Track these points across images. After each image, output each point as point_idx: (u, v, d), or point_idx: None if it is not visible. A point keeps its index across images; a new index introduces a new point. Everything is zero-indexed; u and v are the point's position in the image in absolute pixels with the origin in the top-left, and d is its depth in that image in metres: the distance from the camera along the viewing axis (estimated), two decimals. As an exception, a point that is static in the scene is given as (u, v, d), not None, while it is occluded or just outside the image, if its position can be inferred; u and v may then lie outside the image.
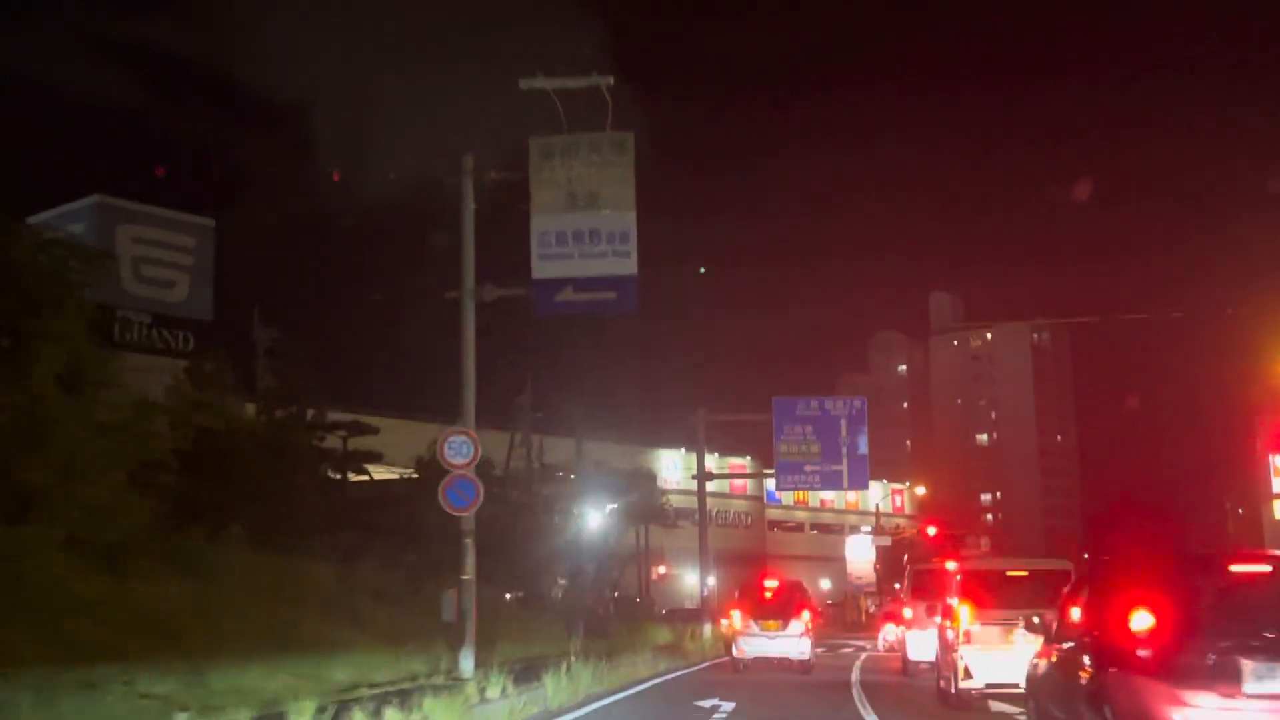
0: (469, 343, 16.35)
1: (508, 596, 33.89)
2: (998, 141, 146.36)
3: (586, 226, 15.94)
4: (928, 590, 19.46)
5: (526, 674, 14.75)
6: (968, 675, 13.01)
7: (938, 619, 15.73)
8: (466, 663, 15.62)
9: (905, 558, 24.35)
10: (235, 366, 26.10)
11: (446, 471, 15.44)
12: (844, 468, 38.33)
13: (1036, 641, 9.35)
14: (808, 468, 38.14)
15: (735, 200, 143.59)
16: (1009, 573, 13.46)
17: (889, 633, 32.02)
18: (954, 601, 13.79)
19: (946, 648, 14.02)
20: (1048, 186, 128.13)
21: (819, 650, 22.63)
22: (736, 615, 22.00)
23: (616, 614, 33.04)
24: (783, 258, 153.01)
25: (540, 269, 16.09)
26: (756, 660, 22.01)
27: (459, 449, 15.71)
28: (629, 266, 15.91)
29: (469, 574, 15.95)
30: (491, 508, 35.98)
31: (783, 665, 21.98)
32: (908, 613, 19.42)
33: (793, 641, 21.34)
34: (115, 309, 30.49)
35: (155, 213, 36.07)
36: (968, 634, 13.06)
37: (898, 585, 68.80)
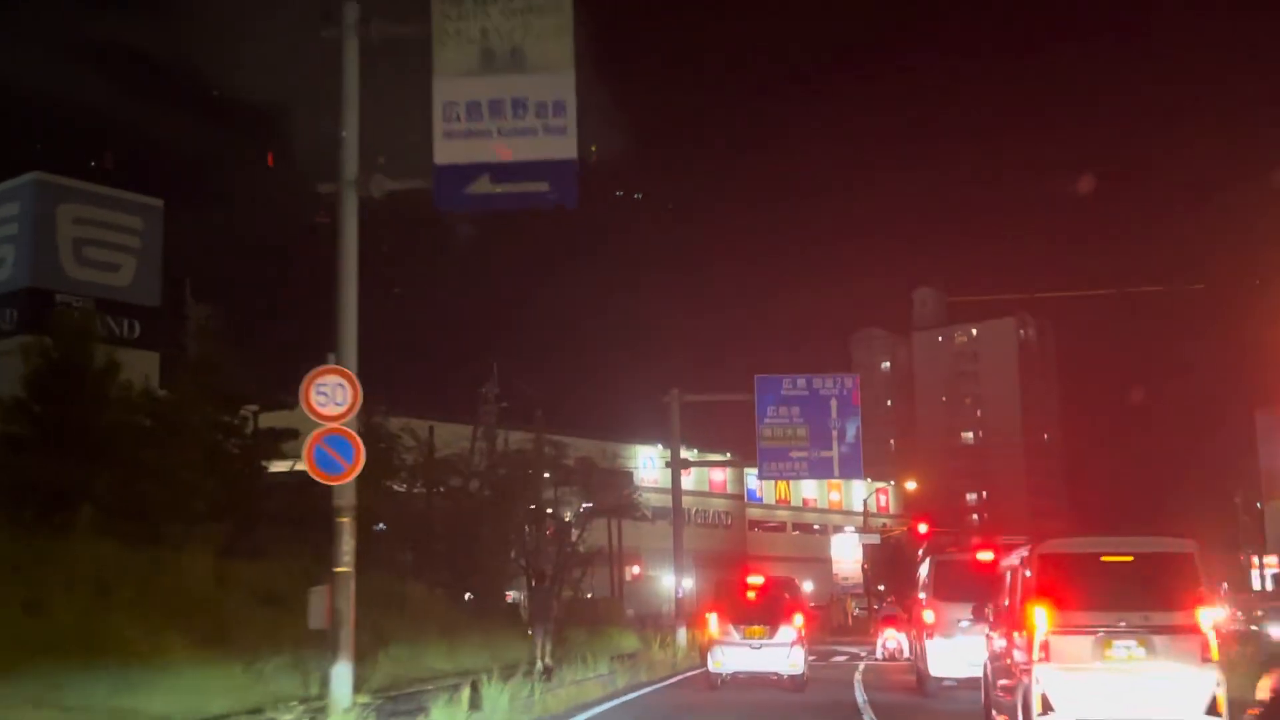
0: (348, 248, 12.13)
1: (468, 597, 30.01)
2: (985, 135, 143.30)
3: (508, 94, 11.73)
4: (956, 587, 15.38)
5: (414, 700, 10.48)
6: (1047, 708, 8.87)
7: (981, 627, 11.63)
8: (340, 686, 11.39)
9: (922, 549, 20.11)
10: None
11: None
12: (834, 454, 34.38)
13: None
14: (794, 454, 34.15)
15: (714, 193, 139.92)
16: (1106, 557, 9.25)
17: (889, 639, 27.95)
18: (1015, 600, 9.69)
19: (1008, 668, 9.90)
20: (1036, 181, 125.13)
21: (811, 658, 18.36)
22: (713, 620, 17.80)
23: (578, 618, 28.75)
24: (762, 253, 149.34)
25: (444, 151, 11.86)
26: (737, 676, 17.86)
27: (331, 394, 11.49)
28: (566, 147, 11.70)
29: (345, 565, 11.70)
30: (445, 504, 32.76)
31: (769, 681, 17.87)
32: (929, 616, 15.28)
33: (781, 652, 17.18)
34: (54, 293, 28.59)
35: (99, 191, 33.27)
36: (1045, 647, 8.92)
37: (882, 587, 65.98)
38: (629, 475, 58.54)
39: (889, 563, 63.41)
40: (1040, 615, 9.05)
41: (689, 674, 21.51)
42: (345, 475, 11.61)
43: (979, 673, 14.71)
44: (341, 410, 11.56)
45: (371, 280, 13.19)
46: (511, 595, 34.12)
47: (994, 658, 11.01)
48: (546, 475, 35.71)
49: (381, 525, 24.21)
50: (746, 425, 33.96)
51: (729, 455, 75.80)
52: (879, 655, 28.24)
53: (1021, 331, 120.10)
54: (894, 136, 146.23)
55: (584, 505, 44.50)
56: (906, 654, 28.02)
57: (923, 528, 52.48)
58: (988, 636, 11.49)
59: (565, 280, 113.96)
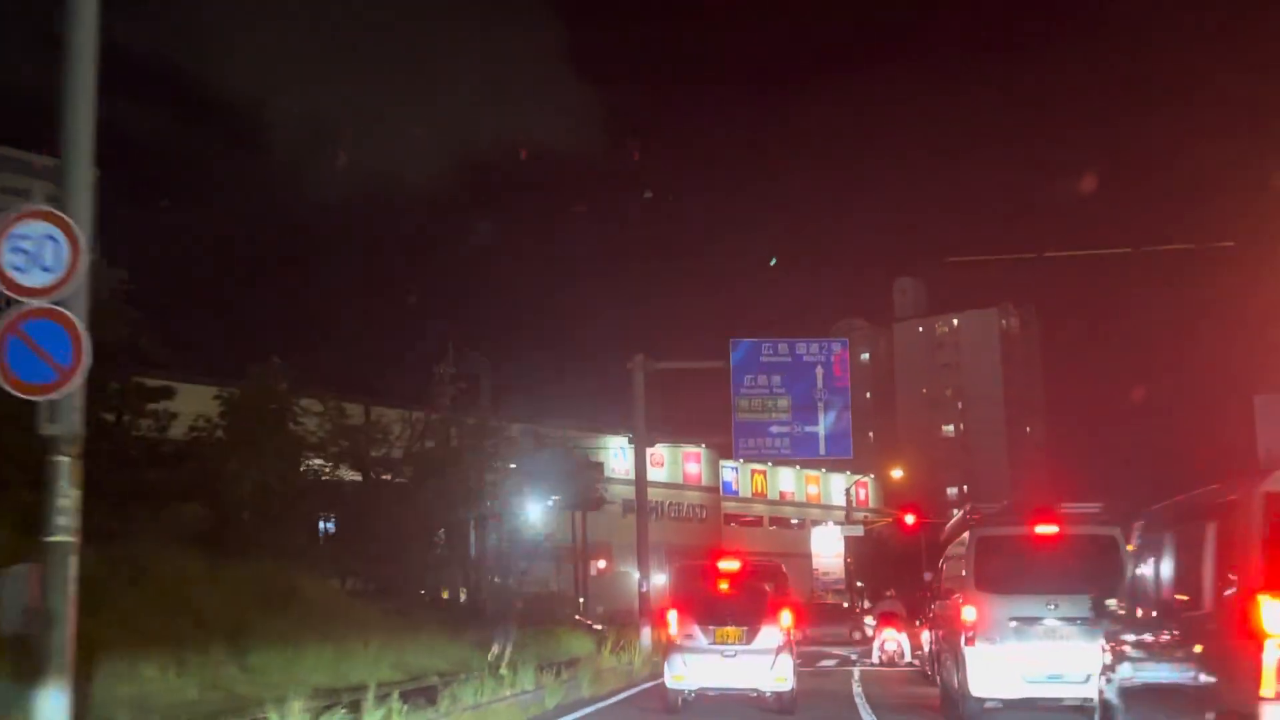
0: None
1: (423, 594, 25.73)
2: (968, 125, 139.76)
3: None
4: (1008, 573, 11.06)
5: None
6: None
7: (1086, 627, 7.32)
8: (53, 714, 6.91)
9: (951, 523, 15.46)
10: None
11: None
12: (820, 429, 30.14)
13: None
14: (774, 429, 29.90)
15: (691, 182, 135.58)
16: None
17: (888, 641, 23.68)
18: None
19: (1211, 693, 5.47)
20: (1020, 172, 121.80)
21: (796, 662, 13.82)
22: (673, 618, 13.36)
23: (522, 617, 24.28)
24: (740, 243, 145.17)
25: None
26: (704, 694, 13.47)
27: (37, 253, 7.07)
28: None
29: (63, 533, 7.17)
30: (364, 485, 28.12)
31: (746, 700, 13.53)
32: (969, 613, 10.90)
33: (762, 662, 12.81)
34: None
35: (12, 155, 28.60)
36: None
37: (860, 584, 61.95)
38: (599, 466, 54.50)
39: (872, 557, 59.54)
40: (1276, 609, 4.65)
41: (649, 685, 17.05)
42: (59, 384, 7.12)
43: (1042, 691, 10.41)
44: (54, 281, 7.10)
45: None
46: (451, 593, 29.53)
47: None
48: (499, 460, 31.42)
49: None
50: (723, 413, 29.72)
51: (704, 448, 72.21)
52: (875, 659, 23.95)
53: (1004, 322, 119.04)
54: (877, 127, 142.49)
55: (551, 498, 40.86)
56: (908, 658, 23.72)
57: (910, 519, 48.90)
58: (1115, 643, 7.16)
59: (539, 266, 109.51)
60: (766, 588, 13.72)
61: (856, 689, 16.80)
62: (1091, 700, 10.37)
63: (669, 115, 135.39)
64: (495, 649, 17.78)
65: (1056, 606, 10.80)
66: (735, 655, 12.82)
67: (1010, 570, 11.17)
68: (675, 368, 31.10)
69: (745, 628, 12.93)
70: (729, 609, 13.15)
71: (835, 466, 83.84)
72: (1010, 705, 11.20)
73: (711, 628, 12.99)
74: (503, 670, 13.90)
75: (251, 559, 18.30)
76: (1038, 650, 10.79)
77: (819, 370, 30.17)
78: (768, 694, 13.12)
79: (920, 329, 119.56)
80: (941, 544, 16.06)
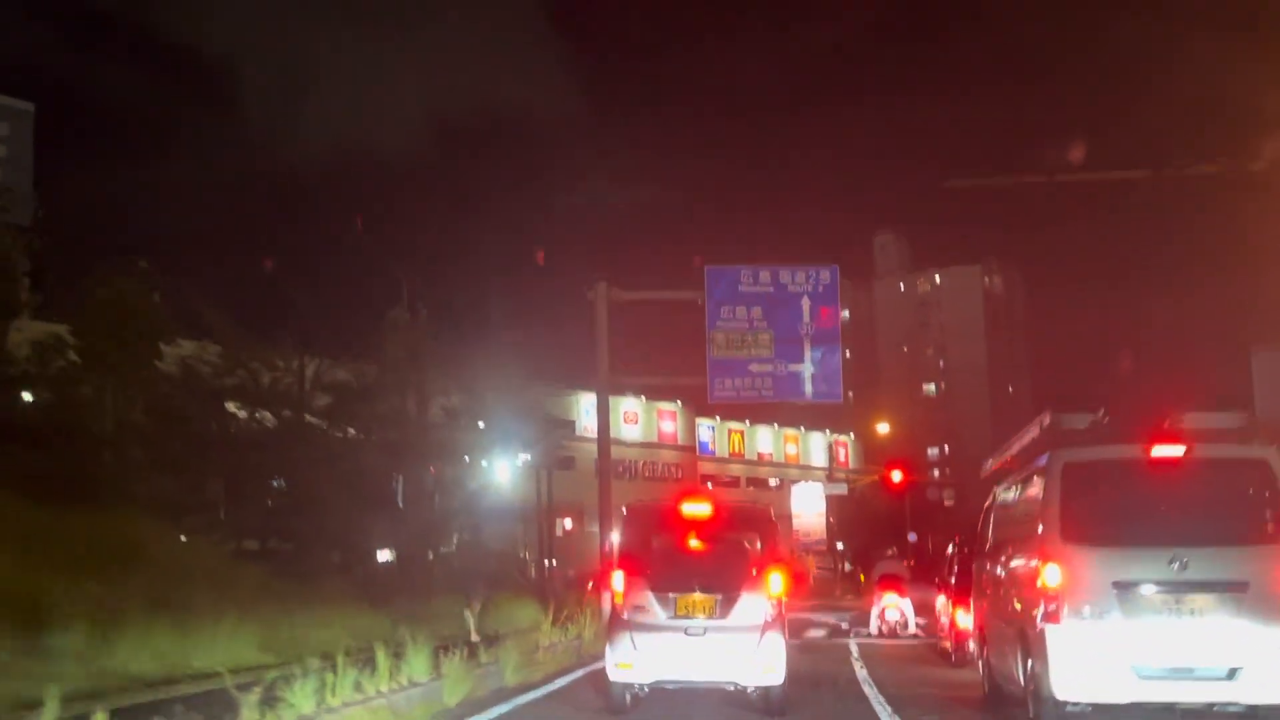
0: None
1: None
2: (954, 77, 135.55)
3: None
4: (1115, 516, 7.38)
5: None
6: None
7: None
8: None
9: (1011, 449, 11.47)
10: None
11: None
12: (806, 367, 26.51)
13: None
14: (754, 368, 26.27)
15: (672, 134, 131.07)
16: None
17: (889, 608, 20.12)
18: None
19: None
20: (1006, 127, 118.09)
21: (789, 643, 9.93)
22: (619, 581, 9.60)
23: (457, 581, 20.55)
24: (716, 195, 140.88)
25: None
26: (662, 687, 9.77)
27: None
28: None
29: None
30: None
31: (721, 696, 9.87)
32: (1052, 575, 7.17)
33: (742, 644, 9.12)
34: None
35: None
36: None
37: (841, 545, 58.87)
38: (569, 424, 51.16)
39: (855, 518, 56.55)
40: None
41: (599, 668, 13.27)
42: None
43: (1163, 691, 6.85)
44: None
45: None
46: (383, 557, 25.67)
47: None
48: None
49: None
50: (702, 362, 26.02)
51: (679, 405, 68.79)
52: (873, 629, 20.34)
53: (987, 279, 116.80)
54: (859, 78, 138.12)
55: (521, 457, 37.06)
56: (911, 628, 20.22)
57: (897, 475, 45.87)
58: None
59: (511, 218, 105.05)
60: (748, 544, 10.02)
61: (860, 671, 13.20)
62: (1241, 705, 6.74)
63: (645, 56, 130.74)
64: (468, 615, 14.92)
65: (1184, 565, 7.19)
66: (704, 634, 9.12)
67: (1114, 512, 7.52)
68: (643, 298, 27.16)
69: (719, 596, 9.23)
70: (697, 570, 9.42)
71: (814, 424, 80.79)
72: (1107, 710, 7.56)
73: (672, 596, 9.23)
74: (474, 636, 10.27)
75: (109, 511, 14.51)
76: (1156, 630, 7.19)
77: (805, 302, 26.55)
78: (750, 689, 9.46)
79: (901, 286, 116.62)
80: (987, 479, 12.08)
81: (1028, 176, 30.94)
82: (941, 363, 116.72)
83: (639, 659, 9.21)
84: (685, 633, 9.13)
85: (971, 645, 11.78)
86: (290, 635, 13.33)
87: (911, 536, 52.36)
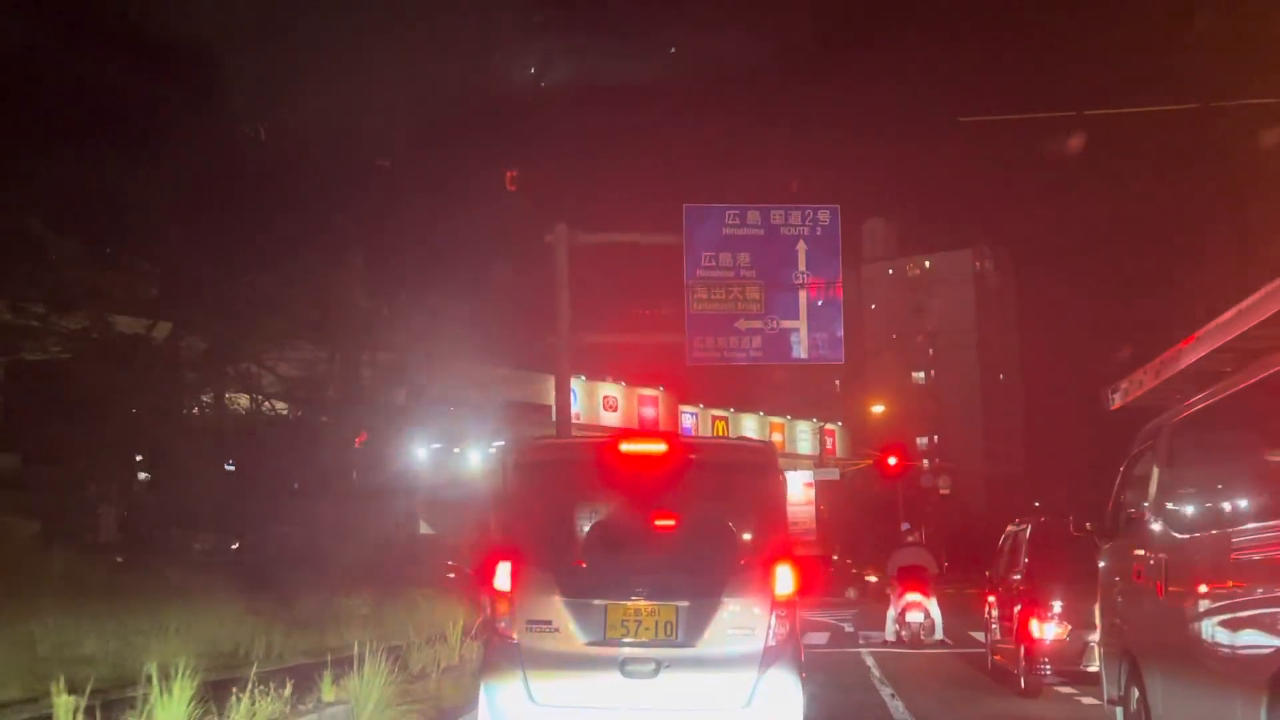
0: None
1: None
2: (946, 60, 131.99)
3: None
4: None
5: None
6: None
7: None
8: None
9: (1167, 356, 6.55)
10: None
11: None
12: (802, 324, 22.72)
13: None
14: (741, 324, 22.54)
15: (658, 109, 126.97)
16: None
17: (911, 610, 16.13)
18: None
19: None
20: (996, 110, 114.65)
21: (804, 679, 5.71)
22: (505, 575, 5.25)
23: (374, 574, 16.55)
24: (703, 175, 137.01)
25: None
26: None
27: None
28: None
29: None
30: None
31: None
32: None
33: (719, 690, 5.06)
34: None
35: None
36: None
37: (816, 533, 56.00)
38: (544, 409, 47.83)
39: (848, 506, 53.89)
40: None
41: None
42: None
43: None
44: None
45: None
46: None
47: None
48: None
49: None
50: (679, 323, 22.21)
51: (662, 391, 65.31)
52: (889, 636, 16.30)
53: (978, 264, 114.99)
54: (848, 55, 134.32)
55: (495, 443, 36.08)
56: (939, 634, 16.28)
57: (892, 460, 43.96)
58: None
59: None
60: (734, 514, 5.93)
61: (894, 703, 9.26)
62: None
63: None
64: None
65: None
66: (656, 673, 5.08)
67: None
68: (609, 240, 23.29)
69: (683, 603, 5.19)
70: (645, 559, 5.38)
71: (801, 413, 77.97)
72: None
73: (598, 604, 5.15)
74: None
75: None
76: None
77: (801, 246, 22.71)
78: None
79: (890, 271, 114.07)
80: (1127, 411, 7.70)
81: (1053, 113, 27.41)
82: (931, 350, 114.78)
83: (537, 713, 5.15)
84: (621, 670, 5.09)
85: (1096, 668, 7.67)
86: (74, 653, 9.30)
87: (905, 526, 49.60)
